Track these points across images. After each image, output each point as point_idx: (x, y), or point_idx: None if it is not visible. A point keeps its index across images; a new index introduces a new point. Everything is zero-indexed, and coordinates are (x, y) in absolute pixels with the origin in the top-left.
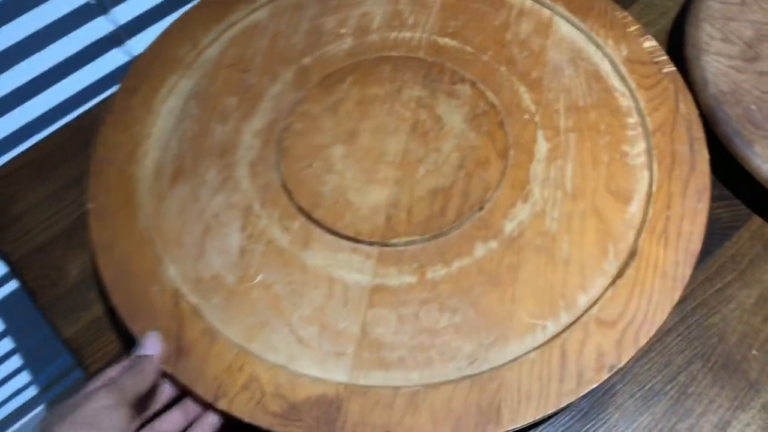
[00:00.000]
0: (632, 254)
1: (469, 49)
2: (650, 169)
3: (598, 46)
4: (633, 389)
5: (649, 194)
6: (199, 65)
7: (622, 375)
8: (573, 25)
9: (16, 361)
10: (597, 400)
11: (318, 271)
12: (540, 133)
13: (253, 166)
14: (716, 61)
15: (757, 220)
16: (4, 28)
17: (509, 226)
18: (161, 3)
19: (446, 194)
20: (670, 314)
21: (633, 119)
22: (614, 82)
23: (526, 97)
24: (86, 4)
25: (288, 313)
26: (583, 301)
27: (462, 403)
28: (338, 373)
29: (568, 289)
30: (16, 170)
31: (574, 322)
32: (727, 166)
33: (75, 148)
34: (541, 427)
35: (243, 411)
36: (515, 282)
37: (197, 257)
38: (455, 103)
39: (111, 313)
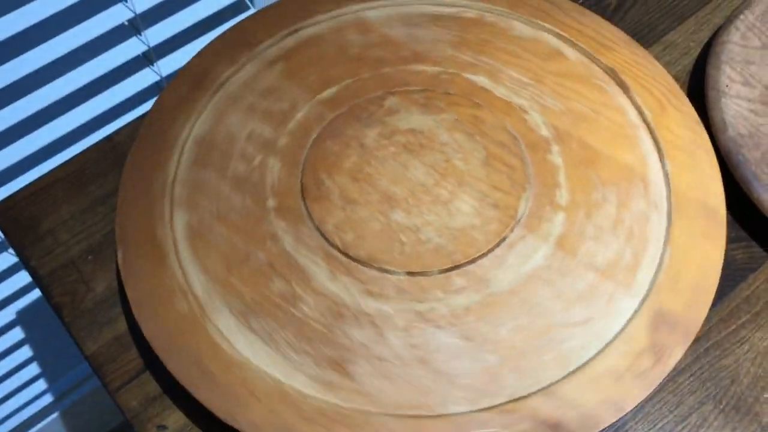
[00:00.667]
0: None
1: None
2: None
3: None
4: (644, 428)
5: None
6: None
7: (633, 413)
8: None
9: (33, 369)
10: None
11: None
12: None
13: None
14: (736, 104)
15: None
16: (44, 45)
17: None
18: (193, 25)
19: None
20: (684, 354)
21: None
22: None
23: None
24: (120, 25)
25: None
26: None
27: None
28: None
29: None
30: (48, 185)
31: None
32: (744, 208)
33: (107, 165)
34: None
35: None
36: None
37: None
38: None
39: (134, 329)
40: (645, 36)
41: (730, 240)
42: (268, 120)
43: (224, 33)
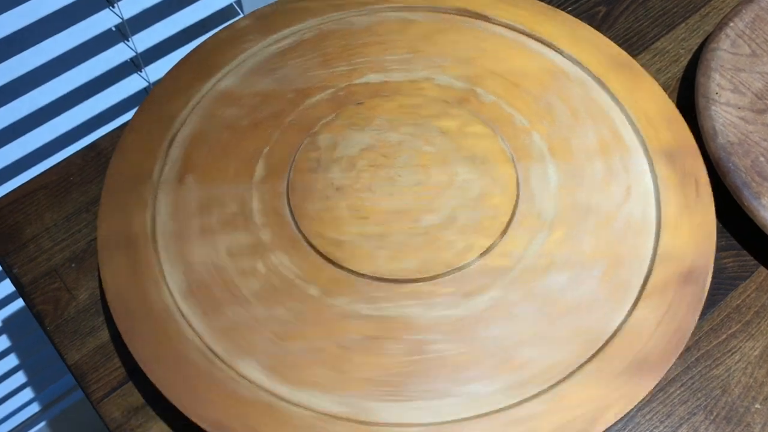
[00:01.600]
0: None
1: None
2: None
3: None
4: None
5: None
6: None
7: (623, 424)
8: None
9: (19, 378)
10: None
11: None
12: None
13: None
14: (726, 111)
15: (763, 272)
16: (30, 50)
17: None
18: (181, 31)
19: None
20: (674, 364)
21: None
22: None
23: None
24: (108, 31)
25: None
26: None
27: None
28: None
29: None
30: (32, 192)
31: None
32: (735, 217)
33: (91, 172)
34: None
35: None
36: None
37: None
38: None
39: (117, 339)
40: (634, 43)
41: (721, 248)
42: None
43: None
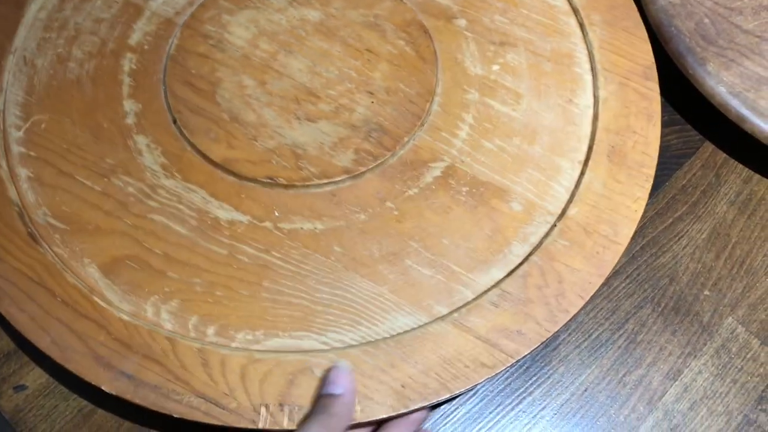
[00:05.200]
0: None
1: None
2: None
3: None
4: (578, 340)
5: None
6: None
7: (566, 325)
8: None
9: None
10: (540, 354)
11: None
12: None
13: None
14: None
15: (709, 147)
16: None
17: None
18: None
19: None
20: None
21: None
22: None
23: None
24: None
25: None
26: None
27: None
28: None
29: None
30: None
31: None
32: (678, 87)
33: None
34: (480, 386)
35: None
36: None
37: None
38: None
39: None
40: None
41: (664, 124)
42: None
43: None
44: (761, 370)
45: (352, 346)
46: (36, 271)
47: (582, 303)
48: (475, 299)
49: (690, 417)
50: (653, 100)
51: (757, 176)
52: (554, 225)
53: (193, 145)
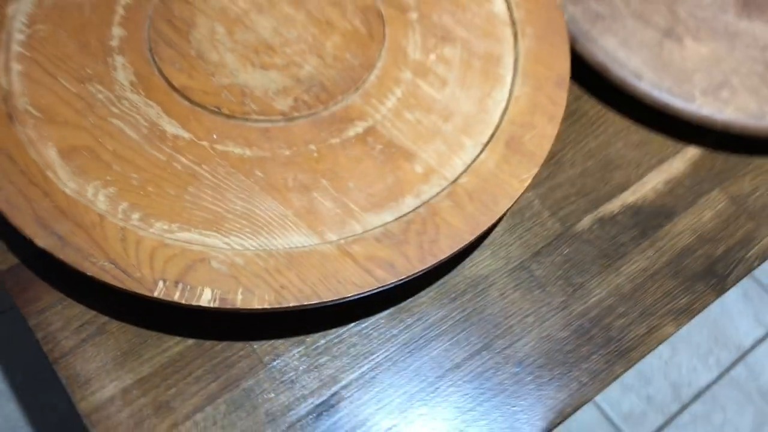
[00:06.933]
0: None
1: None
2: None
3: None
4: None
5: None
6: None
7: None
8: None
9: None
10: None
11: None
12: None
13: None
14: None
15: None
16: None
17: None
18: None
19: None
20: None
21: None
22: None
23: None
24: None
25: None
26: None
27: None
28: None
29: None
30: None
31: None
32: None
33: None
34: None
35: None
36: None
37: None
38: None
39: None
40: None
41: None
42: None
43: None
44: (544, 233)
45: (248, 249)
46: (6, 144)
47: (450, 252)
48: (362, 233)
49: (475, 256)
50: (559, 105)
51: (585, 95)
52: (445, 188)
53: (160, 71)
